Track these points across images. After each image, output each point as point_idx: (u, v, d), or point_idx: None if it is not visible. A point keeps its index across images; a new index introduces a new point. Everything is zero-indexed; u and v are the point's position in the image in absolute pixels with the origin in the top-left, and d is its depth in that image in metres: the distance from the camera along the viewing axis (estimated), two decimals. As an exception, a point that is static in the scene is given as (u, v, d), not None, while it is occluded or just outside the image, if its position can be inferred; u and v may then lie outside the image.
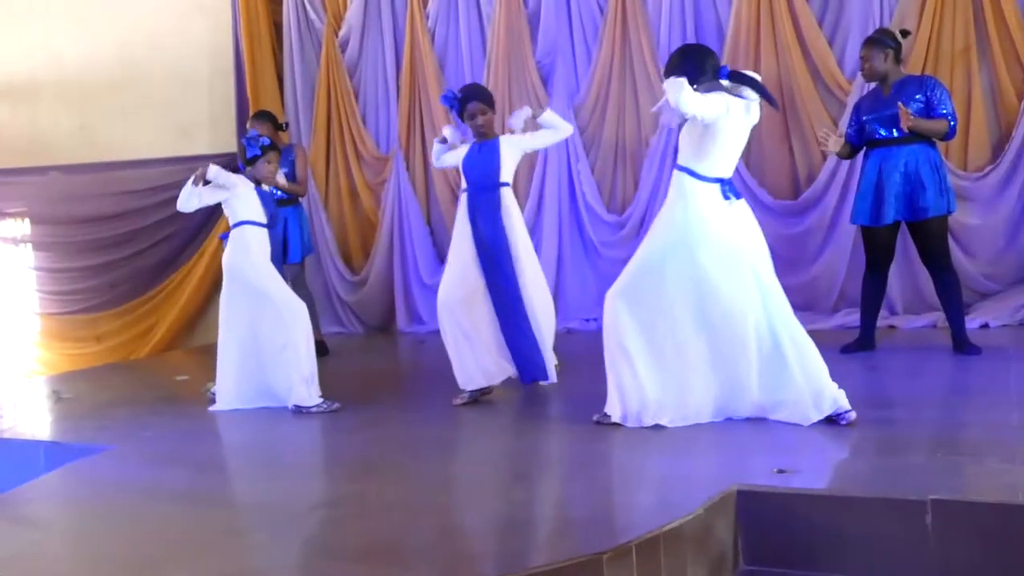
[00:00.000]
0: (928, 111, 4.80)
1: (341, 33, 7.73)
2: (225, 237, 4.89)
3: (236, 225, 4.78)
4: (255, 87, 7.83)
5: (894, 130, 4.82)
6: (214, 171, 4.68)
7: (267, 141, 4.94)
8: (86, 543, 2.92)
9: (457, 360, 4.50)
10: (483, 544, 2.62)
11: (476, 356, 4.48)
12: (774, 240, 6.28)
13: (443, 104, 4.89)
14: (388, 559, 2.56)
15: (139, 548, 2.78)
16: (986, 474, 2.91)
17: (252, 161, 4.87)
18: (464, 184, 4.70)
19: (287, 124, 7.18)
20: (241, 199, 4.76)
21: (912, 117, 4.68)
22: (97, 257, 8.45)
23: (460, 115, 4.68)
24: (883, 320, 6.02)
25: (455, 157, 4.79)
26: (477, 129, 4.65)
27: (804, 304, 6.36)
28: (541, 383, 4.62)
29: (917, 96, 4.83)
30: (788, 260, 6.36)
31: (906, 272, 6.00)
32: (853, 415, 3.57)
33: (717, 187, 3.73)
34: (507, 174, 4.64)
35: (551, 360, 4.66)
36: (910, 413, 3.74)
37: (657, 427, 3.67)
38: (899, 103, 4.72)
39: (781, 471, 3.06)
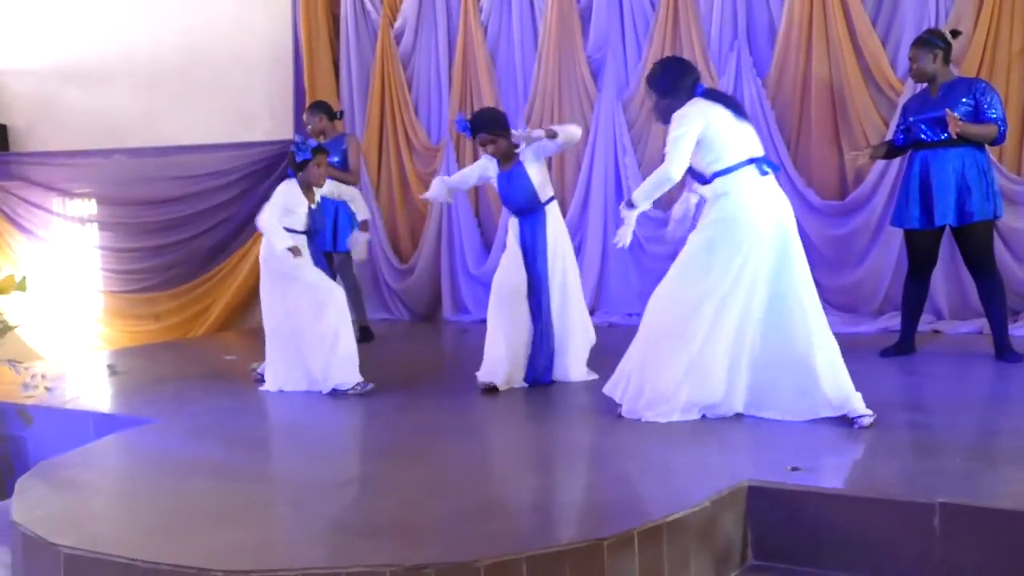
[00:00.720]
0: (976, 115, 4.73)
1: (396, 25, 7.85)
2: None
3: None
4: (312, 76, 8.01)
5: (942, 133, 4.76)
6: (291, 255, 4.78)
7: (314, 144, 5.04)
8: (120, 507, 3.08)
9: (487, 347, 4.60)
10: (488, 527, 2.69)
11: (505, 352, 4.56)
12: (819, 240, 6.33)
13: (457, 130, 4.93)
14: (399, 537, 2.67)
15: (168, 515, 2.93)
16: (1001, 481, 2.90)
17: (303, 166, 4.96)
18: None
19: (342, 113, 7.32)
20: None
21: (960, 122, 4.62)
22: (157, 238, 8.72)
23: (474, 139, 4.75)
24: (928, 325, 5.96)
25: (463, 180, 4.94)
26: (492, 155, 4.70)
27: (848, 306, 6.32)
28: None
29: (965, 99, 4.75)
30: (833, 261, 6.35)
31: (953, 277, 5.91)
32: (867, 420, 3.55)
33: (753, 167, 3.77)
34: (544, 192, 4.71)
35: (576, 365, 4.76)
36: (938, 418, 3.72)
37: (677, 421, 3.71)
38: (947, 109, 4.66)
39: (795, 469, 3.08)
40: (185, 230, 8.65)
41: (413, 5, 7.73)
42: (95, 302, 8.95)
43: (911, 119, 4.94)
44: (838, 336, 5.78)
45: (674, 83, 3.87)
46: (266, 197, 8.16)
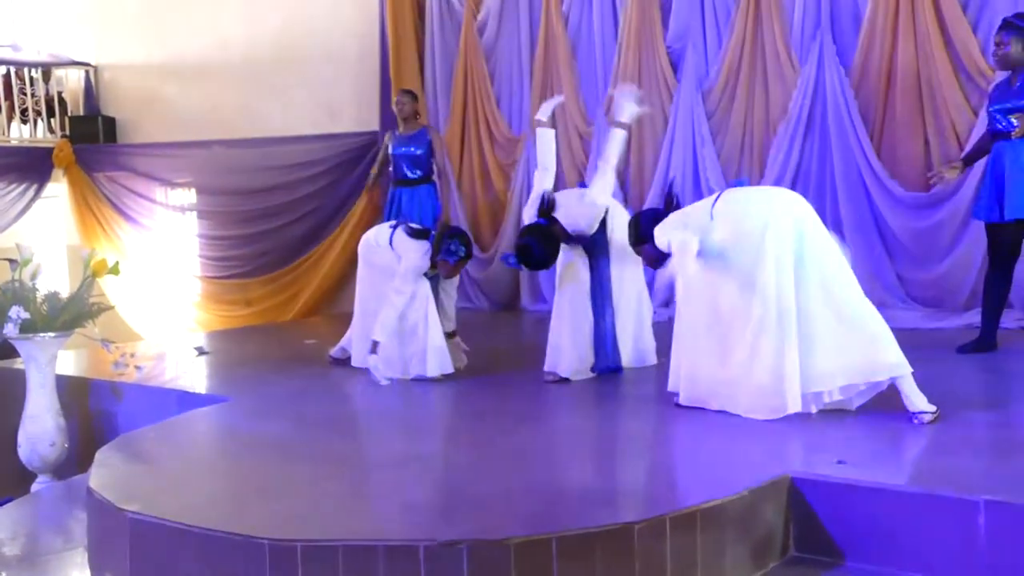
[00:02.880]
0: None
1: (480, 17, 7.96)
2: None
3: None
4: (398, 69, 8.19)
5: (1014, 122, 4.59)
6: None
7: (462, 254, 4.84)
8: (185, 478, 3.26)
9: (550, 338, 4.66)
10: (526, 508, 2.76)
11: (569, 342, 4.61)
12: (903, 233, 6.17)
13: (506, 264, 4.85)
14: (438, 514, 2.76)
15: (226, 486, 3.10)
16: (1055, 480, 2.80)
17: (446, 258, 4.79)
18: None
19: None
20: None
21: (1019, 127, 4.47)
22: (250, 227, 9.07)
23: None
24: (1016, 322, 5.74)
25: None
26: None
27: (932, 301, 6.14)
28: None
29: None
30: (917, 255, 6.18)
31: (1044, 272, 5.66)
32: (928, 416, 3.46)
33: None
34: (600, 221, 4.67)
35: (648, 349, 4.83)
36: (1003, 416, 3.61)
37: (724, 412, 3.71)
38: (1013, 116, 4.51)
39: (841, 462, 3.04)
40: (277, 219, 8.99)
41: (497, -2, 7.82)
42: (192, 287, 9.37)
43: (991, 108, 4.77)
44: (921, 332, 5.73)
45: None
46: (353, 187, 8.59)
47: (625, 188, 7.18)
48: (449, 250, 4.78)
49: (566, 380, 4.58)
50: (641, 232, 3.98)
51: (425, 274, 4.88)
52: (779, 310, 3.58)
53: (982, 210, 4.79)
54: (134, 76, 9.76)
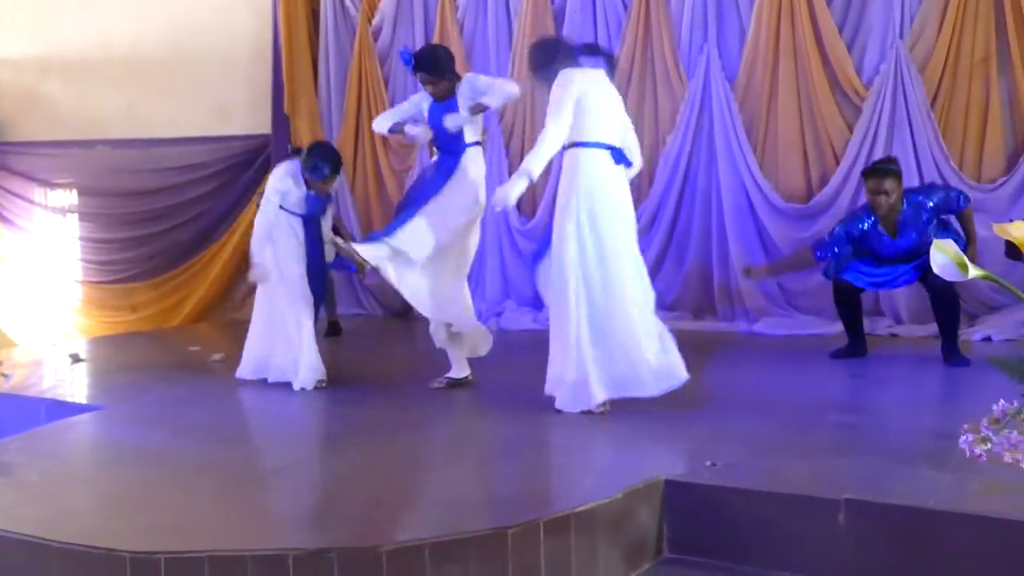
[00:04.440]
0: (945, 223, 4.88)
1: (375, 21, 7.90)
2: None
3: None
4: (291, 71, 8.05)
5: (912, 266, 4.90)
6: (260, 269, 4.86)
7: (335, 166, 4.95)
8: (48, 491, 3.12)
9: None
10: (399, 514, 2.75)
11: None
12: (784, 243, 6.37)
13: (402, 62, 4.76)
14: (310, 522, 2.72)
15: (94, 499, 2.99)
16: (911, 479, 2.93)
17: (315, 175, 4.86)
18: None
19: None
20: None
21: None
22: (136, 229, 8.78)
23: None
24: (887, 328, 6.01)
25: (397, 113, 4.85)
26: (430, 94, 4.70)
27: (811, 309, 6.35)
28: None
29: (923, 225, 4.83)
30: (797, 264, 6.39)
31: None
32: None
33: (607, 152, 3.87)
34: (469, 133, 4.63)
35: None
36: (868, 419, 3.77)
37: (609, 411, 3.77)
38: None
39: (713, 464, 3.12)
40: (164, 222, 8.71)
41: (391, 2, 7.77)
42: (73, 292, 9.01)
43: (866, 263, 4.97)
44: (801, 338, 5.94)
45: (546, 66, 4.03)
46: (244, 191, 8.40)
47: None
48: (315, 167, 4.84)
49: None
50: (538, 64, 4.04)
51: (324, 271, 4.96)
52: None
53: (846, 273, 5.05)
54: (11, 71, 9.34)
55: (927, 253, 4.54)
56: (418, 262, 4.38)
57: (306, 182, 4.92)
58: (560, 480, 3.16)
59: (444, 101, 4.58)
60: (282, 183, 4.90)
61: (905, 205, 4.84)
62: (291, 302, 4.80)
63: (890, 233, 4.88)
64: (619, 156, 3.94)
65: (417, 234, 4.36)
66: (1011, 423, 2.24)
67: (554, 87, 3.90)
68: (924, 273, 4.84)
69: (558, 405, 3.86)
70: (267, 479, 3.18)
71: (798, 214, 6.38)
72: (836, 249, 4.99)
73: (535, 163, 3.85)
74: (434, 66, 4.58)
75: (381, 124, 4.77)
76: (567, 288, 3.83)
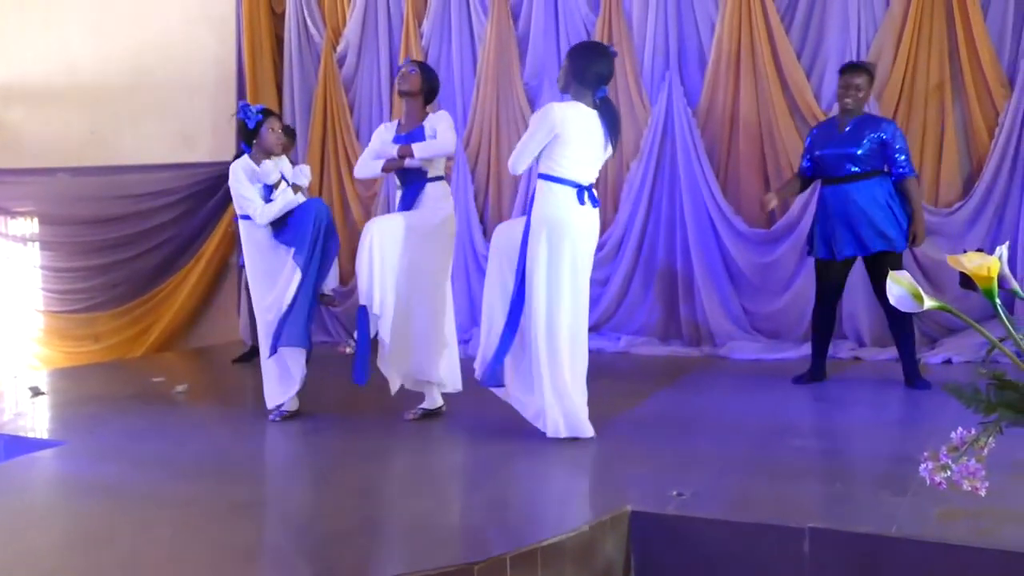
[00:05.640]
0: (882, 152, 4.92)
1: (339, 49, 7.91)
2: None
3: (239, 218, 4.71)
4: (255, 98, 8.01)
5: (848, 168, 4.91)
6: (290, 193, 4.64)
7: (261, 107, 4.72)
8: (4, 531, 3.06)
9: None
10: (362, 549, 2.72)
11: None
12: (747, 267, 6.44)
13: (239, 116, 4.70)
14: (268, 559, 2.69)
15: (47, 537, 2.92)
16: (874, 505, 2.97)
17: (255, 131, 4.58)
18: None
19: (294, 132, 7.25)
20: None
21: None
22: (99, 258, 8.68)
23: None
24: (849, 352, 6.08)
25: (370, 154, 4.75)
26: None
27: (773, 332, 6.42)
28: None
29: (870, 136, 4.90)
30: (759, 288, 6.45)
31: (874, 305, 6.00)
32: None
33: (574, 191, 3.90)
34: (432, 167, 4.63)
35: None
36: (831, 443, 3.81)
37: (572, 441, 3.78)
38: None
39: (679, 494, 3.13)
40: (127, 250, 8.63)
41: (356, 29, 7.80)
42: (34, 322, 8.88)
43: (817, 153, 5.06)
44: (764, 363, 5.99)
45: (582, 71, 3.97)
46: (209, 218, 8.36)
47: (484, 219, 7.28)
48: (247, 113, 4.60)
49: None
50: (576, 67, 3.97)
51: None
52: None
53: (813, 246, 5.07)
54: (-28, 99, 9.24)
55: (855, 160, 4.72)
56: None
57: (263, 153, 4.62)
58: (527, 512, 3.15)
59: (410, 131, 4.59)
60: (245, 175, 4.53)
61: (865, 115, 5.09)
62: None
63: (840, 128, 5.02)
64: (586, 195, 3.95)
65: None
66: (969, 451, 2.28)
67: (535, 116, 3.97)
68: (880, 291, 4.92)
69: (550, 433, 3.88)
70: (230, 514, 3.14)
71: (760, 239, 6.45)
72: (808, 157, 5.15)
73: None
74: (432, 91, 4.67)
75: (366, 170, 4.69)
76: (538, 315, 3.87)
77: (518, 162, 3.93)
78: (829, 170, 5.00)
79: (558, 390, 3.86)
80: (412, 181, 4.57)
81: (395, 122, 4.80)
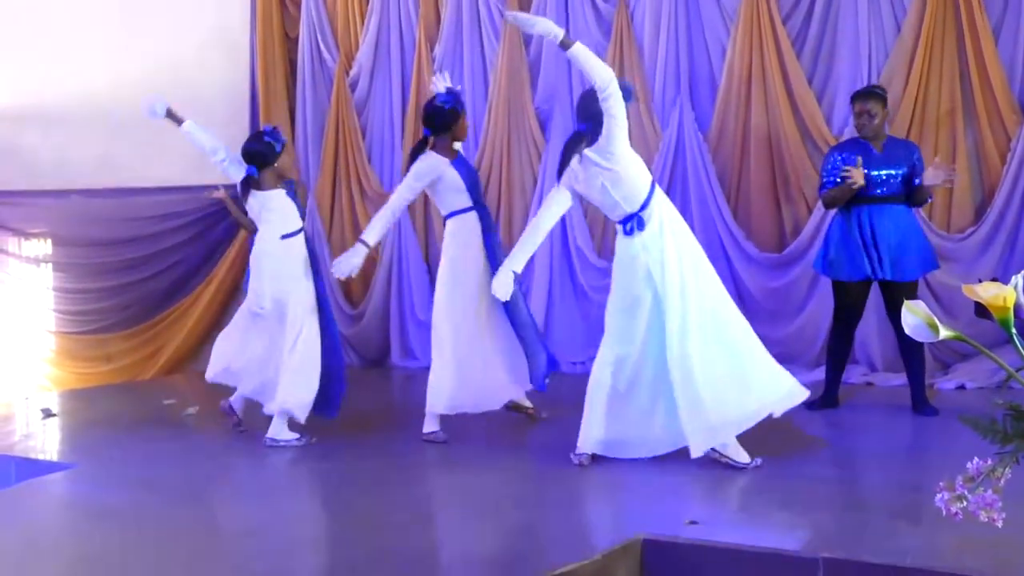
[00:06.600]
0: (911, 178, 4.93)
1: (352, 73, 7.97)
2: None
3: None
4: (268, 121, 8.05)
5: (884, 189, 4.92)
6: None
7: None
8: (7, 555, 3.06)
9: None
10: (375, 577, 2.71)
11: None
12: (758, 292, 6.42)
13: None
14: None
15: (56, 562, 2.92)
16: (888, 535, 2.94)
17: (280, 155, 4.94)
18: None
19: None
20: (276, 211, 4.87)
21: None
22: (111, 279, 8.71)
23: None
24: (861, 377, 6.05)
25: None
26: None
27: (785, 357, 6.36)
28: None
29: (904, 160, 4.94)
30: (772, 312, 6.43)
31: (886, 330, 5.99)
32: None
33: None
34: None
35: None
36: (844, 471, 3.78)
37: (591, 466, 3.76)
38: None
39: (693, 523, 3.12)
40: (139, 271, 8.66)
41: (368, 54, 7.85)
42: (46, 343, 8.90)
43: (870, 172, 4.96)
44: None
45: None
46: (220, 241, 8.40)
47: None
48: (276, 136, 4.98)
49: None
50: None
51: None
52: None
53: (836, 269, 5.03)
54: (-11, 122, 9.32)
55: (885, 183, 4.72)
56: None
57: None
58: (538, 539, 3.13)
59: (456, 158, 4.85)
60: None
61: (891, 137, 5.11)
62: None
63: (878, 149, 4.99)
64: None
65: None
66: (986, 482, 2.27)
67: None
68: (895, 316, 4.90)
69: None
70: (240, 540, 3.13)
71: (771, 263, 6.44)
72: (832, 166, 5.05)
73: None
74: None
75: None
76: None
77: None
78: (860, 190, 4.95)
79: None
80: None
81: None
